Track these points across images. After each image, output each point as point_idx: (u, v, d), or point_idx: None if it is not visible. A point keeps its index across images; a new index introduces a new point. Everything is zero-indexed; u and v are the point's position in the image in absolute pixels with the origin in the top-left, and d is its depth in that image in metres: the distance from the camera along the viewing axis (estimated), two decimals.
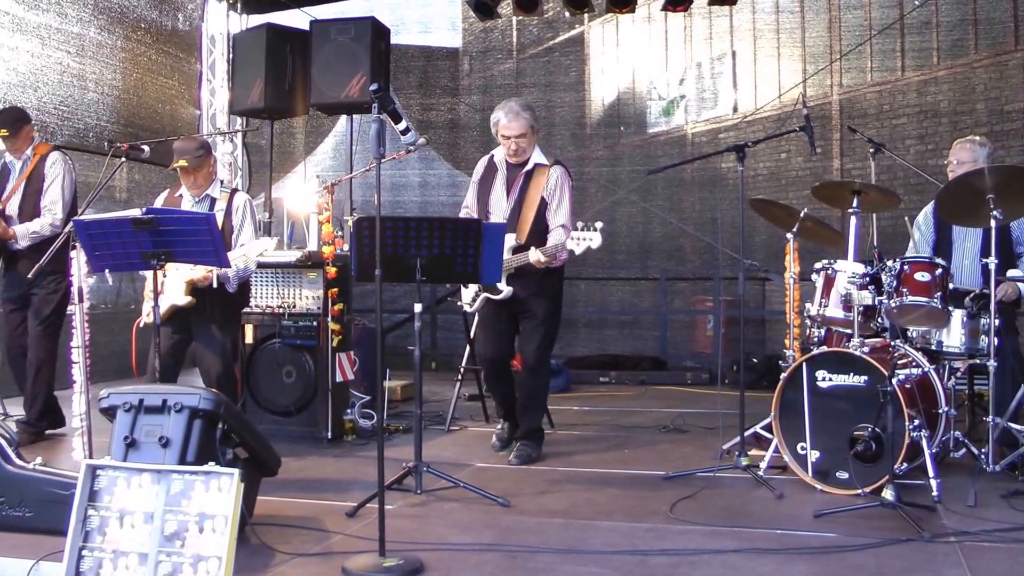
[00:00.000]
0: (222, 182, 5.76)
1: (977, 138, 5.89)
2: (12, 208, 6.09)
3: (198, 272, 5.28)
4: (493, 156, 5.88)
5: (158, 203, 5.76)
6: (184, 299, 5.32)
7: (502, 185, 5.76)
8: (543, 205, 5.65)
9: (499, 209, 5.75)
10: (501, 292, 5.56)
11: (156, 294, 4.63)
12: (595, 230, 5.26)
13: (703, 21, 11.26)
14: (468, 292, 5.88)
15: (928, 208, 5.96)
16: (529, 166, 5.71)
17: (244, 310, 6.27)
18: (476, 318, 6.31)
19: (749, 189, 6.10)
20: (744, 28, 11.02)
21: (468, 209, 5.92)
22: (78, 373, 5.21)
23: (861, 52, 10.10)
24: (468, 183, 6.05)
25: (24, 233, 6.01)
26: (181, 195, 5.66)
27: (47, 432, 6.25)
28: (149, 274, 5.25)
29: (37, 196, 6.11)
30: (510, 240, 5.49)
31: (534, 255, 5.41)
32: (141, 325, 5.38)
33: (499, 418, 6.15)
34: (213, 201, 5.63)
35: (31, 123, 6.29)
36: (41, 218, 6.05)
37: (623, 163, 11.58)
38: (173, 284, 5.31)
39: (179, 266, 5.21)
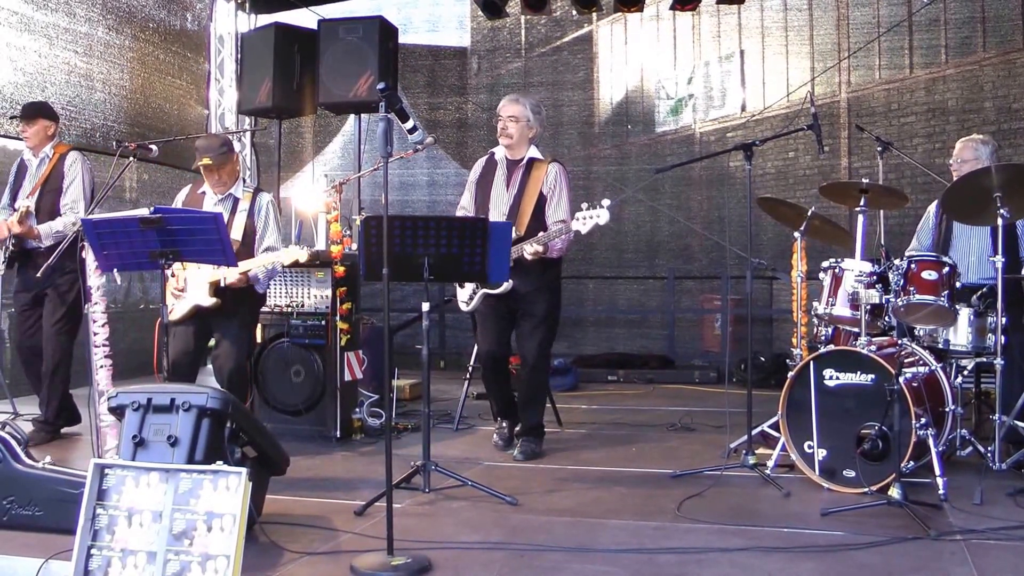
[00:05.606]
0: (245, 181, 5.74)
1: (979, 136, 5.91)
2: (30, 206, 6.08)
3: (232, 275, 5.27)
4: (493, 153, 5.93)
5: (178, 200, 5.76)
6: (209, 300, 5.32)
7: (503, 179, 5.79)
8: (542, 199, 5.67)
9: (500, 203, 5.75)
10: (501, 286, 5.53)
11: (165, 293, 4.63)
12: (601, 207, 5.25)
13: (711, 20, 11.24)
14: (464, 291, 5.83)
15: (931, 209, 5.99)
16: (526, 160, 5.77)
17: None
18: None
19: (757, 188, 6.09)
20: (752, 26, 10.99)
21: (464, 209, 5.91)
22: (103, 375, 5.22)
23: (869, 50, 10.08)
24: None
25: (48, 232, 6.00)
26: (204, 192, 5.65)
27: (63, 431, 6.26)
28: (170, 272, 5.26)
29: (55, 195, 6.09)
30: None
31: (529, 248, 5.43)
32: (166, 323, 5.41)
33: (495, 417, 6.15)
34: (236, 201, 5.62)
35: (52, 120, 6.26)
36: (63, 217, 6.03)
37: (631, 162, 11.57)
38: (197, 284, 5.32)
39: (202, 266, 5.21)
